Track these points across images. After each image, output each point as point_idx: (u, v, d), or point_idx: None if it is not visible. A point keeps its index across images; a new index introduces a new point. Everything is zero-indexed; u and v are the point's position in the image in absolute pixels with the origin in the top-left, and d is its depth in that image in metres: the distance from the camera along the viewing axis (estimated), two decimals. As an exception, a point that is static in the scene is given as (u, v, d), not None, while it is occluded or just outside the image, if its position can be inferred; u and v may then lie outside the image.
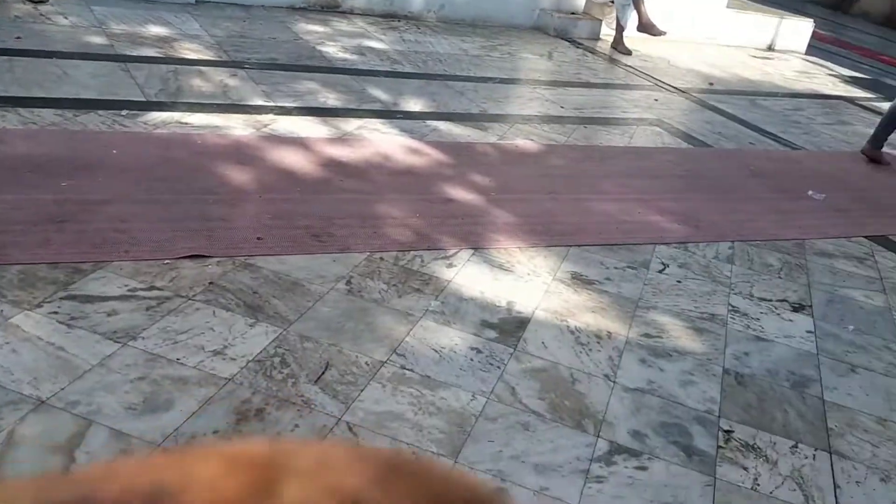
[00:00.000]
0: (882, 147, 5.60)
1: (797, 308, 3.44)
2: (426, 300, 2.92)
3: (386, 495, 0.23)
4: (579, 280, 3.31)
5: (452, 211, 3.66)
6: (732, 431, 2.57)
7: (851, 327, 3.37)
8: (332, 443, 0.25)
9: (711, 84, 7.18)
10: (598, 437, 2.41)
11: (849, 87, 8.47)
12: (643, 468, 2.32)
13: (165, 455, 0.24)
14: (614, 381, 2.70)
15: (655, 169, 4.74)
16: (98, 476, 0.23)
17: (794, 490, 2.37)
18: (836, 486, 2.41)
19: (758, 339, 3.14)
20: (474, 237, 3.46)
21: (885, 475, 2.51)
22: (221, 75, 4.94)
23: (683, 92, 6.74)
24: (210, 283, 2.77)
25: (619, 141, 5.20)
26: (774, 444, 2.55)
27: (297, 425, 2.18)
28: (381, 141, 4.37)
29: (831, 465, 2.51)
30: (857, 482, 2.45)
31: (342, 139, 4.29)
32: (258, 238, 3.11)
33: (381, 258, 3.14)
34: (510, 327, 2.87)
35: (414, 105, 5.12)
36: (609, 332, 2.99)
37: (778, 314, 3.36)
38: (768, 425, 2.63)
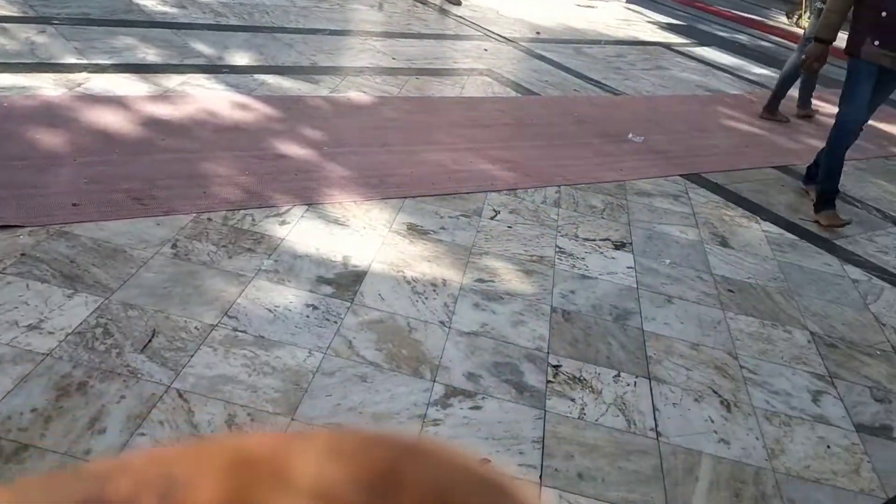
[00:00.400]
0: (779, 105, 6.07)
1: (619, 246, 3.64)
2: (258, 259, 2.87)
3: (389, 496, 0.23)
4: (415, 231, 3.36)
5: (284, 167, 3.60)
6: (560, 366, 2.70)
7: (668, 261, 3.60)
8: (343, 432, 0.25)
9: (538, 33, 7.36)
10: (435, 381, 2.47)
11: (666, 34, 8.92)
12: (478, 408, 2.41)
13: (176, 449, 0.24)
14: (449, 327, 2.77)
15: (486, 118, 4.84)
16: (109, 471, 0.23)
17: (618, 416, 2.53)
18: (655, 409, 2.60)
19: (583, 278, 3.30)
20: (308, 193, 3.42)
21: (698, 395, 2.72)
22: (27, 32, 4.59)
23: (512, 41, 6.87)
24: (22, 254, 2.60)
25: (451, 91, 5.26)
26: (599, 374, 2.71)
27: (123, 396, 2.10)
28: (205, 97, 4.21)
29: (650, 390, 2.69)
30: (673, 404, 2.65)
31: (163, 96, 4.10)
32: (74, 204, 2.95)
33: (209, 219, 3.05)
34: (346, 281, 2.88)
35: (240, 59, 4.96)
36: (444, 279, 3.05)
37: (601, 252, 3.55)
38: (593, 357, 2.79)
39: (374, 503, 0.22)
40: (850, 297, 3.62)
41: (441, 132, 4.45)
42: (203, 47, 5.00)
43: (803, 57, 4.55)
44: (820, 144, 5.68)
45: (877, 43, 4.00)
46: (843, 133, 4.26)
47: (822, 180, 4.34)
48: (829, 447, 2.59)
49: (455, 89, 5.31)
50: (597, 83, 6.20)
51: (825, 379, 2.96)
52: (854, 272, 3.89)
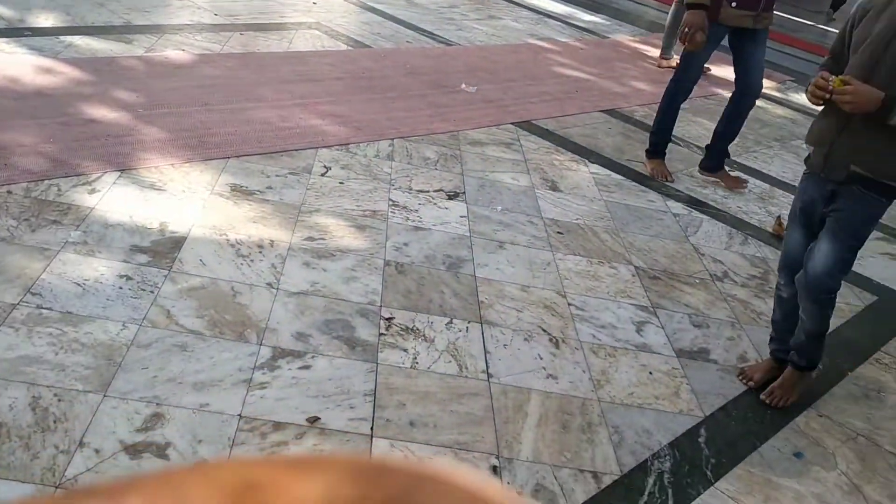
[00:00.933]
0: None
1: (452, 196, 3.65)
2: (65, 232, 2.69)
3: None
4: (239, 192, 3.24)
5: (94, 132, 3.38)
6: (393, 318, 2.69)
7: (500, 208, 3.65)
8: (356, 458, 0.25)
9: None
10: (262, 345, 2.40)
11: (499, -16, 8.97)
12: (307, 367, 2.36)
13: (189, 470, 0.24)
14: (277, 288, 2.69)
15: (315, 73, 4.72)
16: (122, 490, 0.23)
17: (450, 361, 2.55)
18: (486, 352, 2.63)
19: (416, 229, 3.29)
20: (120, 158, 3.22)
21: (528, 335, 2.78)
22: None
23: (343, -6, 6.73)
24: None
25: (278, 47, 5.09)
26: (432, 323, 2.71)
27: None
28: (4, 63, 3.88)
29: (482, 333, 2.72)
30: (504, 345, 2.69)
31: (-46, 63, 3.76)
32: None
33: (9, 192, 2.82)
34: (164, 249, 2.74)
35: (44, 20, 4.60)
36: (272, 240, 2.96)
37: (435, 203, 3.55)
38: (426, 307, 2.79)
39: None
40: (671, 231, 3.80)
41: (267, 89, 4.30)
42: (2, 9, 4.60)
43: (685, 30, 3.99)
44: (647, 88, 5.91)
45: (734, 4, 3.88)
46: (679, 93, 4.28)
47: (655, 131, 4.44)
48: (651, 373, 2.72)
49: (282, 44, 5.14)
50: (429, 34, 6.17)
51: (648, 310, 3.09)
52: (676, 207, 4.08)
